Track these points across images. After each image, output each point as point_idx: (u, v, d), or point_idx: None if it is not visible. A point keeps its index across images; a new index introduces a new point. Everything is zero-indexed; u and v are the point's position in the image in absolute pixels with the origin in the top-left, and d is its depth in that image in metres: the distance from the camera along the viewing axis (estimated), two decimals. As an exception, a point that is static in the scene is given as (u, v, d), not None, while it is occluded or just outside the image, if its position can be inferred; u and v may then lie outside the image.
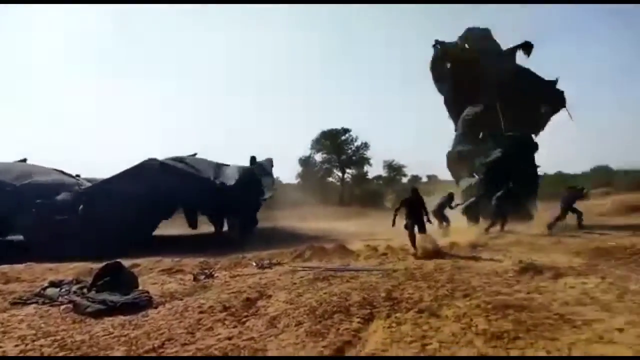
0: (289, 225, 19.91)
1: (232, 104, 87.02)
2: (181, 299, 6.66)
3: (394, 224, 10.80)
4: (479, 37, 20.32)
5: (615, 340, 4.15)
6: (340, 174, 42.95)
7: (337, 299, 6.02)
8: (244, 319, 5.35)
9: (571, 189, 14.47)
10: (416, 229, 10.48)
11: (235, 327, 5.09)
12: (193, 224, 18.68)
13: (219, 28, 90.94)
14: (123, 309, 6.03)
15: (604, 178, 35.92)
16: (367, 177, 43.67)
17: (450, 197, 14.48)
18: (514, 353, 3.96)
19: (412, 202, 10.75)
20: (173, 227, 20.53)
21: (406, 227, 10.62)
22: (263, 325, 5.01)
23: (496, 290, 6.20)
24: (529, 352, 3.96)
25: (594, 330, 4.46)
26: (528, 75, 19.00)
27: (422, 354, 4.06)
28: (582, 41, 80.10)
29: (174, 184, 14.29)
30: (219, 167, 17.07)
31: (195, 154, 18.22)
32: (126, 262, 8.97)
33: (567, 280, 6.64)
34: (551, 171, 30.72)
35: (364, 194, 38.63)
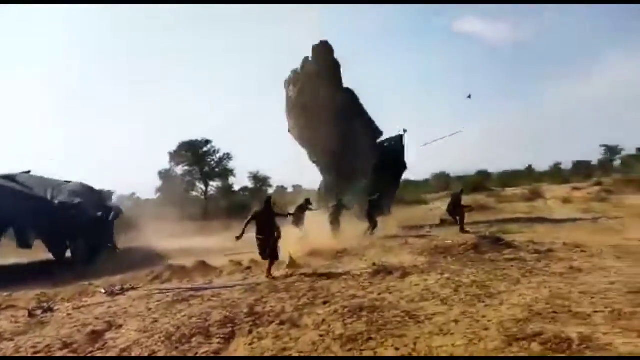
0: (147, 245, 18.57)
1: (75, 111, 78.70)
2: (12, 340, 5.76)
3: (240, 237, 8.92)
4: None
5: (452, 332, 4.66)
6: (203, 186, 41.62)
7: (196, 320, 5.76)
8: (89, 355, 4.82)
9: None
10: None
11: (77, 366, 4.56)
12: (24, 244, 16.30)
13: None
14: None
15: (441, 183, 40.57)
16: (233, 189, 43.03)
17: (307, 202, 14.88)
18: (367, 354, 4.21)
19: (262, 214, 9.17)
20: (8, 255, 17.76)
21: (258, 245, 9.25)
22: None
23: (352, 294, 6.54)
24: (380, 351, 4.25)
25: (435, 323, 4.96)
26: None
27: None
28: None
29: (2, 205, 12.39)
30: (58, 185, 15.27)
31: (28, 171, 16.06)
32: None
33: (412, 278, 7.29)
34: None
35: (230, 207, 37.93)
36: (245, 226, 9.09)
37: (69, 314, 7.05)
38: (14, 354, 5.10)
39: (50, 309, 7.44)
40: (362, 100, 21.79)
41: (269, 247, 8.94)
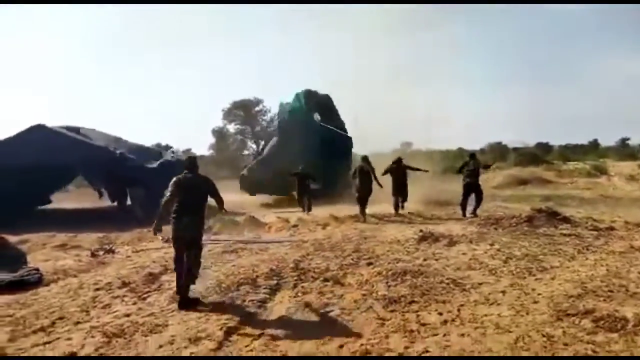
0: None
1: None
2: (76, 276, 6.26)
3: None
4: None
5: (498, 302, 4.58)
6: (254, 146, 42.38)
7: (244, 270, 5.99)
8: (145, 295, 5.15)
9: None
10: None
11: (134, 303, 4.88)
12: (100, 193, 17.48)
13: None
14: (10, 287, 5.53)
15: (497, 154, 39.08)
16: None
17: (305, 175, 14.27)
18: (409, 316, 4.22)
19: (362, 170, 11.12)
20: (71, 200, 19.06)
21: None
22: (165, 300, 4.86)
23: (397, 258, 6.54)
24: (423, 315, 4.25)
25: (481, 292, 4.88)
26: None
27: (324, 321, 4.19)
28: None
29: (66, 153, 13.15)
30: (118, 140, 16.03)
31: (93, 129, 16.95)
32: (13, 238, 8.21)
33: (460, 247, 7.18)
34: (453, 147, 32.68)
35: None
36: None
37: (128, 256, 7.53)
38: (78, 289, 5.52)
39: (112, 251, 7.98)
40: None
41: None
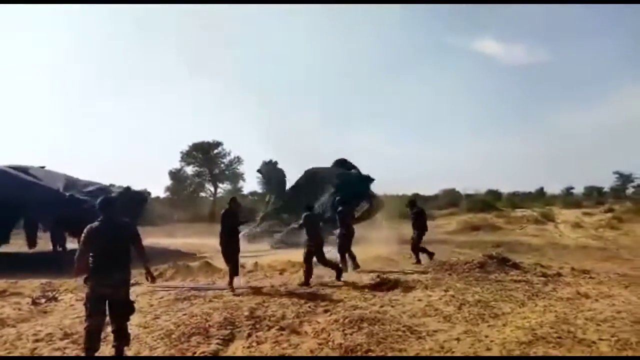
0: (154, 242, 18.65)
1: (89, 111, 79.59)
2: (14, 326, 5.82)
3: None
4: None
5: (453, 350, 4.60)
6: (212, 188, 41.85)
7: (197, 320, 5.76)
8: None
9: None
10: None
11: (77, 356, 4.56)
12: (32, 242, 16.51)
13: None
14: None
15: (451, 200, 40.34)
16: (242, 192, 43.13)
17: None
18: (365, 366, 4.16)
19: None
20: (11, 245, 17.94)
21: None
22: (110, 353, 4.57)
23: (354, 305, 6.50)
24: (379, 364, 4.20)
25: (437, 340, 4.90)
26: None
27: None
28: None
29: (12, 195, 12.52)
30: (72, 180, 15.43)
31: (43, 167, 16.29)
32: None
33: (416, 293, 7.22)
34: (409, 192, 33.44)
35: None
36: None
37: (71, 305, 7.10)
38: (15, 341, 5.13)
39: (54, 299, 7.50)
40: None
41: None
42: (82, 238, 4.19)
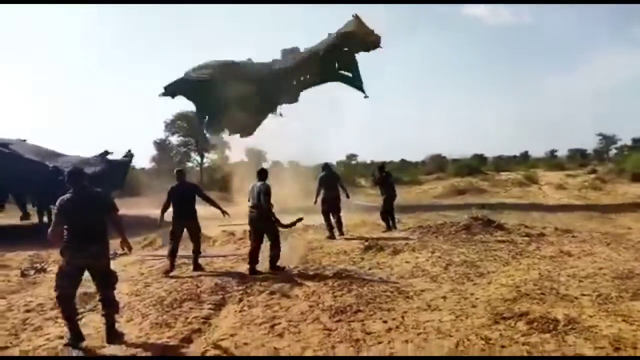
0: (141, 212, 18.60)
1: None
2: (4, 298, 5.84)
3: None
4: None
5: (440, 308, 4.72)
6: (199, 158, 41.41)
7: (188, 286, 5.82)
8: (80, 316, 4.85)
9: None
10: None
11: (68, 324, 4.60)
12: (25, 214, 16.38)
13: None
14: None
15: (437, 165, 40.66)
16: (229, 161, 42.73)
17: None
18: (355, 325, 4.26)
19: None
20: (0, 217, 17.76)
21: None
22: (101, 320, 4.60)
23: (343, 268, 6.60)
24: (368, 323, 4.30)
25: (424, 299, 5.02)
26: None
27: (270, 334, 4.14)
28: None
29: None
30: (55, 154, 15.20)
31: (24, 140, 15.97)
32: None
33: (403, 255, 7.35)
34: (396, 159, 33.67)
35: (225, 179, 37.69)
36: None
37: (60, 276, 7.08)
38: (6, 312, 5.15)
39: (43, 270, 7.49)
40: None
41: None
42: (55, 210, 4.11)
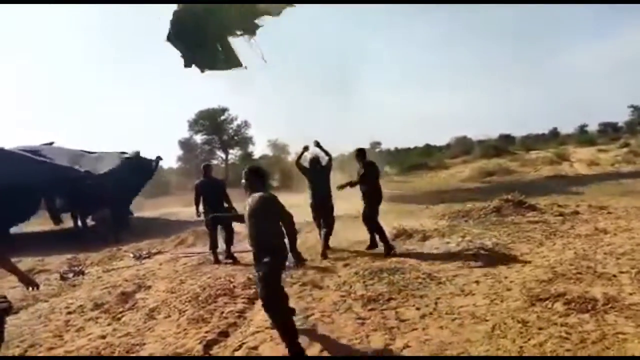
0: (171, 212, 18.97)
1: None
2: (46, 301, 6.06)
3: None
4: None
5: (473, 292, 4.68)
6: (223, 155, 41.92)
7: (221, 282, 5.92)
8: (120, 315, 5.03)
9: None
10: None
11: (109, 324, 4.77)
12: (56, 219, 16.84)
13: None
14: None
15: (463, 148, 39.97)
16: (253, 156, 43.11)
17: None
18: (388, 313, 4.27)
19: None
20: (36, 223, 18.38)
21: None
22: (141, 318, 4.75)
23: (372, 257, 6.60)
24: (401, 310, 4.30)
25: (456, 284, 4.99)
26: None
27: (305, 326, 4.18)
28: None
29: (29, 178, 12.67)
30: (82, 155, 15.51)
31: (51, 143, 16.37)
32: (-25, 267, 7.86)
33: (433, 241, 7.30)
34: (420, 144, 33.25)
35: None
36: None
37: (99, 277, 7.33)
38: (49, 314, 5.35)
39: (82, 272, 7.75)
40: None
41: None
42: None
